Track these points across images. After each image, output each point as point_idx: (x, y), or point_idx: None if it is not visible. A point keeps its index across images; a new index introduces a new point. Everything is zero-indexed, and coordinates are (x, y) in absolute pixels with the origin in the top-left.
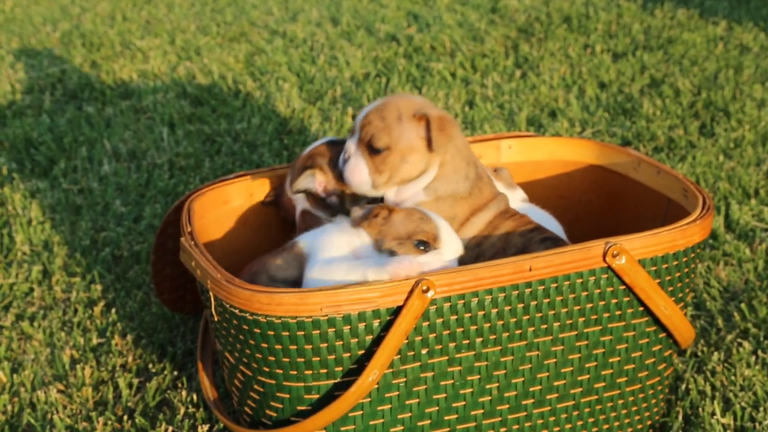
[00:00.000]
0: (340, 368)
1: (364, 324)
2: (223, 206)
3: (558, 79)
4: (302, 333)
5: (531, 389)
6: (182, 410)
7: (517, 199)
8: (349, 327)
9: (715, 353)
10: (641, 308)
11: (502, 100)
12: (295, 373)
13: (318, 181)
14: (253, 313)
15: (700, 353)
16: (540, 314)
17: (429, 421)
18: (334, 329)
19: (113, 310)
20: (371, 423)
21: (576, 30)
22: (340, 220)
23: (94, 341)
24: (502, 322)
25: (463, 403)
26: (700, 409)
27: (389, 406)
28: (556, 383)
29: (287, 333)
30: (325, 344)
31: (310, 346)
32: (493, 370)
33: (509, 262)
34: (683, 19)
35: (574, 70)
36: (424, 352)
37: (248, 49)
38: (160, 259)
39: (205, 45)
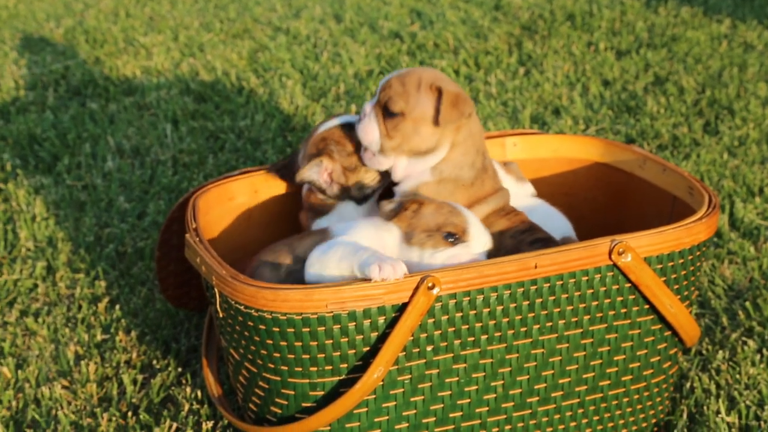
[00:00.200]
0: (345, 365)
1: (369, 321)
2: (227, 203)
3: (562, 77)
4: (307, 329)
5: (536, 387)
6: (186, 407)
7: (526, 194)
8: (354, 324)
9: (720, 352)
10: (647, 306)
11: (505, 97)
12: (300, 369)
13: (324, 167)
14: (258, 310)
15: (704, 351)
16: (545, 312)
17: (434, 419)
18: (339, 326)
19: (117, 307)
20: (376, 420)
21: (579, 27)
22: (371, 215)
23: (99, 337)
24: (507, 319)
25: (468, 400)
26: (705, 408)
27: (394, 403)
28: (561, 381)
29: (292, 329)
30: (330, 341)
31: (315, 343)
32: (498, 368)
33: (515, 259)
34: (687, 17)
35: (577, 67)
36: (429, 349)
37: (251, 46)
38: (164, 255)
39: (208, 42)
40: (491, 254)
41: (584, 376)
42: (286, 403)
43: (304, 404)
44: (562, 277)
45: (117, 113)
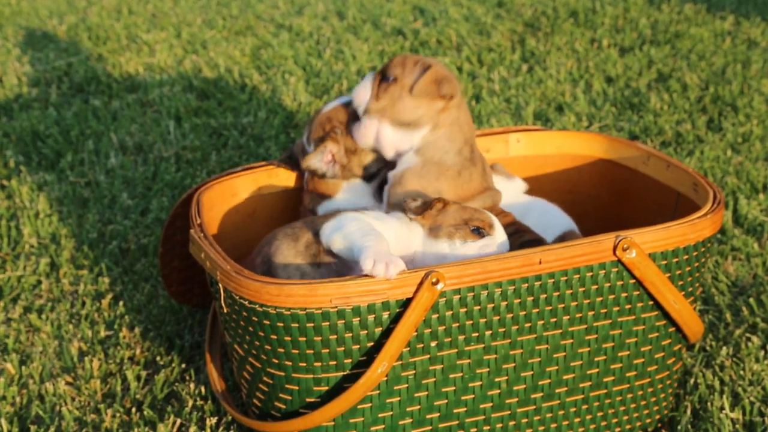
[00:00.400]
0: (349, 360)
1: (374, 316)
2: (230, 199)
3: (565, 74)
4: (311, 325)
5: (540, 383)
6: (190, 402)
7: (517, 189)
8: (358, 319)
9: (724, 348)
10: (651, 302)
11: (508, 94)
12: (304, 364)
13: (329, 149)
14: (262, 305)
15: (708, 348)
16: (549, 308)
17: (438, 414)
18: (343, 321)
19: (121, 303)
20: (380, 415)
21: (583, 24)
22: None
23: (102, 334)
24: (511, 315)
25: (472, 396)
26: (709, 404)
27: (398, 398)
28: (565, 377)
29: (296, 324)
30: (335, 336)
31: (320, 338)
32: (502, 364)
33: (519, 255)
34: (690, 14)
35: (580, 64)
36: (433, 344)
37: (254, 43)
38: (168, 251)
39: (211, 38)
40: None
41: (588, 372)
42: (290, 398)
43: (308, 399)
44: (567, 273)
45: (120, 110)
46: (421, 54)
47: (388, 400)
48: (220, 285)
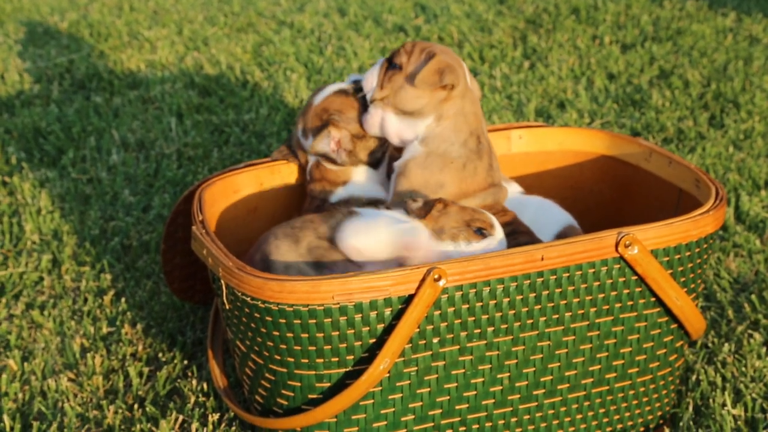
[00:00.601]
0: (352, 357)
1: (376, 312)
2: (232, 195)
3: (566, 71)
4: (314, 321)
5: (542, 379)
6: (192, 399)
7: (514, 191)
8: (360, 315)
9: (726, 344)
10: (653, 299)
11: (510, 91)
12: (307, 361)
13: (333, 136)
14: (264, 301)
15: (710, 344)
16: (551, 304)
17: (440, 411)
18: (345, 317)
19: (123, 300)
20: (382, 412)
21: (584, 21)
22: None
23: (104, 330)
24: (513, 311)
25: (474, 392)
26: (711, 401)
27: (400, 395)
28: (567, 373)
29: (299, 321)
30: (337, 332)
31: (322, 335)
32: (505, 360)
33: (521, 251)
34: (692, 10)
35: (582, 61)
36: (435, 341)
37: (256, 40)
38: (170, 248)
39: (212, 35)
40: None
41: (590, 368)
42: (292, 394)
43: (310, 396)
44: (569, 270)
45: (121, 107)
46: None
47: (390, 397)
48: (222, 281)
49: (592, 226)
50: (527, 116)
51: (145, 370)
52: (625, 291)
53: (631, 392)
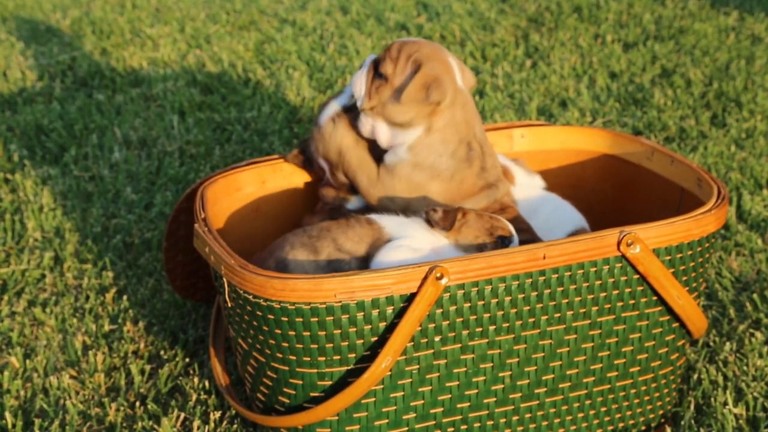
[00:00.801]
0: (354, 355)
1: (378, 311)
2: (235, 193)
3: (568, 69)
4: (316, 319)
5: (543, 378)
6: (194, 397)
7: (536, 186)
8: (362, 313)
9: (728, 343)
10: (654, 298)
11: (512, 89)
12: (309, 359)
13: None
14: (266, 299)
15: (712, 343)
16: (553, 302)
17: (441, 409)
18: (347, 316)
19: (125, 297)
20: (384, 410)
21: (586, 20)
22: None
23: (106, 328)
24: (515, 310)
25: (476, 390)
26: (712, 399)
27: (402, 393)
28: (568, 372)
29: (301, 319)
30: (339, 331)
31: (324, 333)
32: (506, 358)
33: (523, 249)
34: (694, 9)
35: (584, 59)
36: (437, 339)
37: (258, 38)
38: (172, 246)
39: (214, 33)
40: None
41: (592, 367)
42: (294, 392)
43: (312, 394)
44: (571, 268)
45: (124, 104)
46: None
47: (391, 395)
48: (225, 279)
49: (594, 225)
50: (529, 115)
51: (147, 367)
52: (627, 290)
53: (633, 391)
